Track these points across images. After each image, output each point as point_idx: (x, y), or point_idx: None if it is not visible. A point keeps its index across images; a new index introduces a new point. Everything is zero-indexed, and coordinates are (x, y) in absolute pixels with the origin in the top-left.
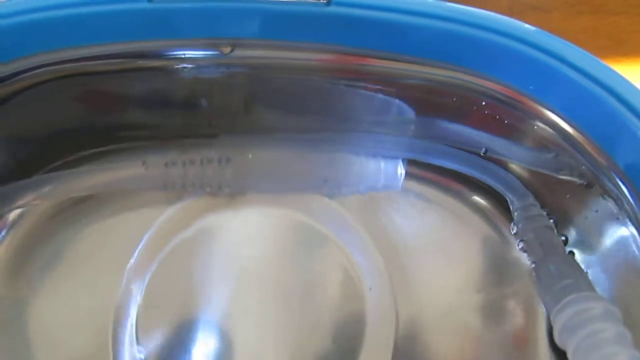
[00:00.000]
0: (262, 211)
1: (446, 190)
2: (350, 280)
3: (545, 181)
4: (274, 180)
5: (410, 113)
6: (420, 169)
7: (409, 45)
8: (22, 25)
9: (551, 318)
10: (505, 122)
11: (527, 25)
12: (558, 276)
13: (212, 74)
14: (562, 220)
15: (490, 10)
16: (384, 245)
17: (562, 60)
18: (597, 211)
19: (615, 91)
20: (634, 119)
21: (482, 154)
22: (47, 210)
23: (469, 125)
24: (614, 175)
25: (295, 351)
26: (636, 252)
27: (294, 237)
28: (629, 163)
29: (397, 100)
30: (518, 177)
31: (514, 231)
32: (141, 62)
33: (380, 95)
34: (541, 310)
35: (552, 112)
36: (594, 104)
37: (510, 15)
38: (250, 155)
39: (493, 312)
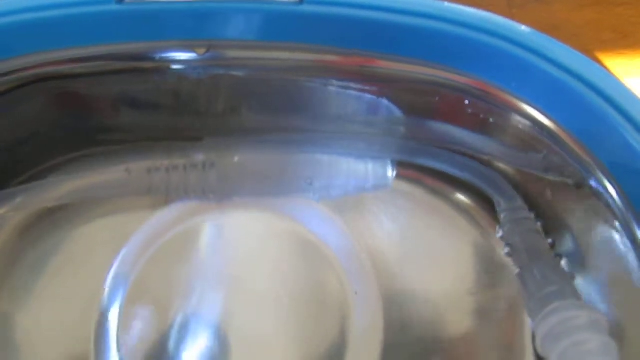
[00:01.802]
0: (249, 215)
1: (435, 192)
2: (337, 285)
3: (534, 183)
4: (259, 184)
5: (398, 114)
6: (409, 171)
7: (388, 44)
8: None
9: (534, 326)
10: (490, 120)
11: (508, 21)
12: (543, 283)
13: (190, 75)
14: (550, 224)
15: (490, 2)
16: (372, 248)
17: (543, 56)
18: (585, 214)
19: (599, 88)
20: (619, 117)
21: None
22: (27, 218)
23: (455, 125)
24: (601, 175)
25: (281, 355)
26: (625, 255)
27: (280, 241)
28: (614, 162)
29: (384, 101)
30: (506, 178)
31: (500, 235)
32: (116, 64)
33: (367, 96)
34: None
35: (536, 109)
36: (577, 102)
37: (510, 8)
38: (235, 159)
39: (481, 316)
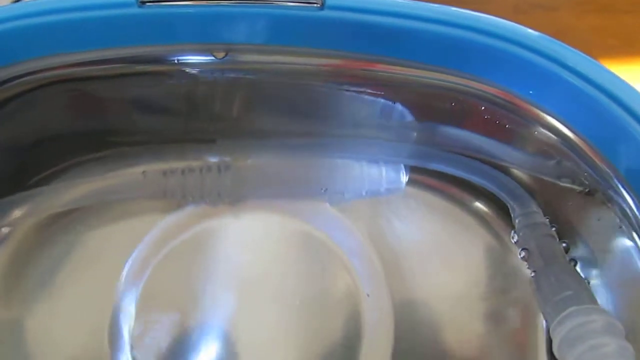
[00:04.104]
0: (262, 217)
1: (447, 196)
2: (349, 287)
3: (548, 188)
4: (273, 187)
5: (411, 118)
6: (422, 175)
7: (405, 50)
8: (12, 31)
9: (551, 330)
10: (506, 126)
11: (526, 29)
12: (558, 287)
13: (208, 78)
14: (564, 229)
15: (495, 8)
16: (384, 252)
17: (561, 64)
18: (599, 220)
19: (616, 96)
20: (635, 124)
21: None
22: (40, 220)
23: (469, 130)
24: (617, 183)
25: (293, 356)
26: (639, 262)
27: (293, 243)
28: (630, 169)
29: (398, 106)
30: (520, 183)
31: (515, 239)
32: (135, 67)
33: (382, 100)
34: (541, 319)
35: (553, 117)
36: (595, 109)
37: (516, 14)
38: (249, 161)
39: (493, 320)
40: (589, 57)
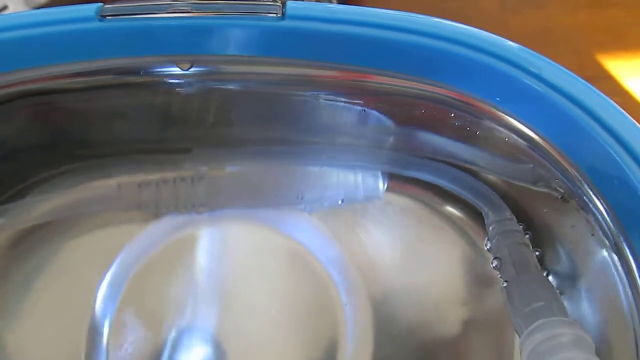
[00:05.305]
0: (239, 228)
1: (424, 203)
2: (326, 298)
3: (523, 195)
4: (249, 196)
5: (385, 125)
6: (399, 182)
7: (369, 58)
8: None
9: (520, 343)
10: (477, 133)
11: (492, 36)
12: (529, 298)
13: (176, 90)
14: (539, 236)
15: (483, 6)
16: (362, 260)
17: (525, 70)
18: (573, 227)
19: (583, 103)
20: (600, 130)
21: None
22: (15, 234)
23: (443, 137)
24: (588, 189)
25: None
26: (612, 270)
27: (270, 253)
28: (598, 175)
29: (374, 113)
30: (495, 189)
31: (488, 247)
32: (102, 80)
33: (356, 108)
34: None
35: (521, 123)
36: (559, 115)
37: (504, 12)
38: (225, 170)
39: (471, 327)
40: (553, 62)
